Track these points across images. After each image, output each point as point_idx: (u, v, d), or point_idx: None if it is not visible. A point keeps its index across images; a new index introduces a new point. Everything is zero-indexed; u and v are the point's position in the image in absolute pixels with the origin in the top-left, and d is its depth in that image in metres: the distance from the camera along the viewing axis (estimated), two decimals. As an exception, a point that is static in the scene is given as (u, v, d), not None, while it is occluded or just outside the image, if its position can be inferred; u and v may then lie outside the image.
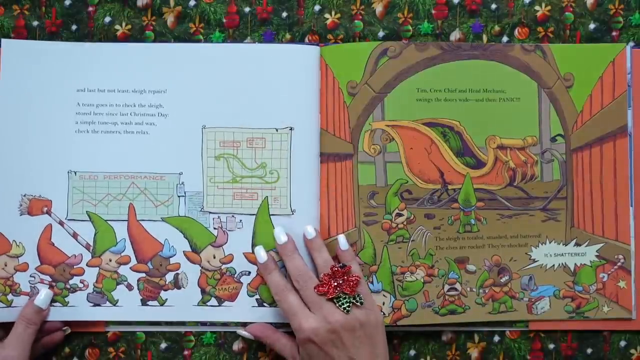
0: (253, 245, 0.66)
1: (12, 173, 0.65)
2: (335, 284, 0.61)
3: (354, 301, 0.61)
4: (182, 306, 0.66)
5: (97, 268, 0.65)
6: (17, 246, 0.64)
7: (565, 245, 0.66)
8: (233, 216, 0.66)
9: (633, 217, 0.66)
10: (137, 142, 0.66)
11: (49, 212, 0.65)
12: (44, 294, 0.63)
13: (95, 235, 0.65)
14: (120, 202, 0.65)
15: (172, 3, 0.68)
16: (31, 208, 0.65)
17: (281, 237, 0.64)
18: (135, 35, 0.67)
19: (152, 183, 0.66)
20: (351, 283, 0.61)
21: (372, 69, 0.66)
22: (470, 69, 0.66)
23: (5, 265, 0.64)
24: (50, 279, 0.65)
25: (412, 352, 0.67)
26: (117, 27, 0.67)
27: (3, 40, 0.66)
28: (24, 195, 0.65)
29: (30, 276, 0.65)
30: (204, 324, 0.66)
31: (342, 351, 0.59)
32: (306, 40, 0.68)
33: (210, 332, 0.67)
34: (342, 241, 0.64)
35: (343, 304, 0.60)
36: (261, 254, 0.64)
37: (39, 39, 0.67)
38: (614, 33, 0.67)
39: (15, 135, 0.65)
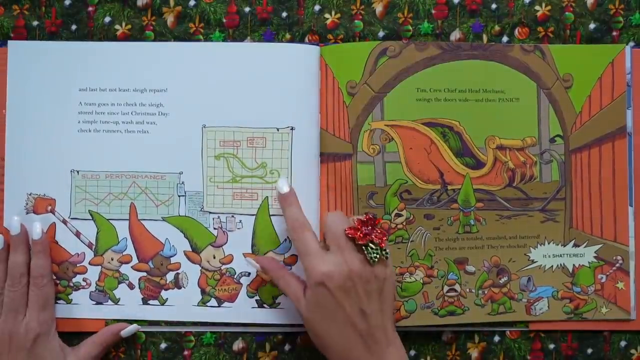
0: (253, 246, 0.72)
1: (18, 172, 0.72)
2: (367, 231, 0.65)
3: (382, 254, 0.65)
4: (182, 306, 0.73)
5: (100, 267, 0.73)
6: None
7: (564, 246, 0.73)
8: (233, 216, 0.73)
9: (632, 218, 0.73)
10: (138, 142, 0.72)
11: (52, 211, 0.72)
12: (131, 328, 0.72)
13: (97, 234, 0.73)
14: (122, 201, 0.73)
15: (172, 3, 0.74)
16: (36, 207, 0.72)
17: (284, 187, 0.69)
18: (135, 35, 0.74)
19: (152, 182, 0.73)
20: (381, 235, 0.65)
21: (372, 69, 0.72)
22: (470, 69, 0.73)
23: None
24: (54, 277, 0.72)
25: (412, 352, 0.74)
26: (117, 27, 0.74)
27: (9, 42, 0.73)
28: (30, 194, 0.72)
29: None
30: (203, 324, 0.73)
31: (353, 300, 0.63)
32: (306, 40, 0.74)
33: (210, 332, 0.73)
34: (282, 183, 0.69)
35: (371, 253, 0.64)
36: (284, 184, 0.69)
37: (39, 39, 0.74)
38: (614, 33, 0.74)
39: (22, 134, 0.72)
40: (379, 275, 0.65)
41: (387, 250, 0.66)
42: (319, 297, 0.64)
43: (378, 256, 0.65)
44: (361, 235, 0.65)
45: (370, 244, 0.65)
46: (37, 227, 0.70)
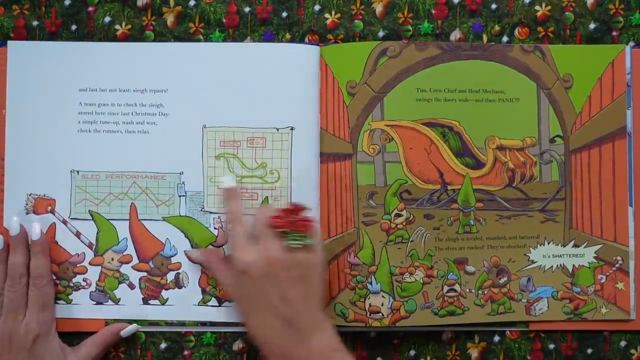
0: (253, 246, 0.75)
1: (18, 172, 0.73)
2: (290, 220, 0.65)
3: (305, 241, 0.65)
4: (182, 306, 0.73)
5: (100, 267, 0.73)
6: None
7: (564, 247, 0.74)
8: (233, 216, 0.75)
9: (632, 219, 0.74)
10: (138, 142, 0.73)
11: (52, 211, 0.73)
12: (131, 328, 0.73)
13: (97, 234, 0.73)
14: (122, 201, 0.73)
15: (172, 3, 0.75)
16: (36, 207, 0.73)
17: (231, 182, 0.71)
18: (135, 35, 0.75)
19: (153, 182, 0.73)
20: (305, 222, 0.66)
21: (372, 69, 0.73)
22: (470, 69, 0.73)
23: None
24: (54, 277, 0.73)
25: (412, 352, 0.75)
26: (117, 27, 0.75)
27: (9, 42, 0.74)
28: (30, 195, 0.73)
29: None
30: (204, 324, 0.74)
31: (275, 287, 0.64)
32: (306, 40, 0.75)
33: (210, 332, 0.74)
34: (229, 179, 0.71)
35: (293, 240, 0.65)
36: (230, 180, 0.71)
37: (39, 39, 0.74)
38: (614, 33, 0.75)
39: (22, 134, 0.73)
40: (301, 261, 0.65)
41: (312, 237, 0.66)
42: (242, 285, 0.65)
43: (299, 242, 0.65)
44: (281, 223, 0.65)
45: (292, 232, 0.65)
46: (36, 228, 0.71)
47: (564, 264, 0.74)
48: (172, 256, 0.74)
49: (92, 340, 0.72)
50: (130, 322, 0.74)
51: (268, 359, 0.65)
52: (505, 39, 0.75)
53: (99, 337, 0.72)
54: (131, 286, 0.74)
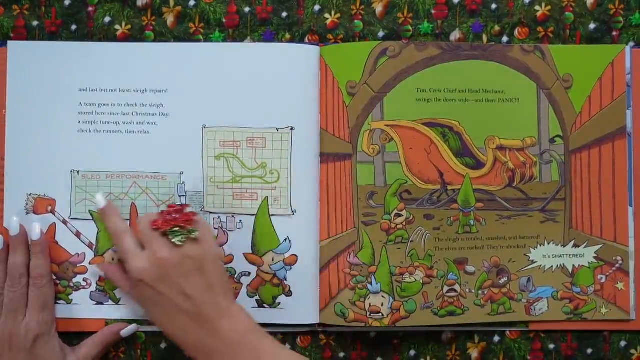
0: (253, 246, 0.73)
1: (18, 172, 0.73)
2: (169, 218, 0.66)
3: (187, 234, 0.65)
4: (182, 305, 0.75)
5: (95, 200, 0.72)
6: None
7: (564, 247, 0.74)
8: (233, 216, 0.74)
9: (632, 219, 0.74)
10: (138, 142, 0.73)
11: (53, 211, 0.73)
12: (131, 327, 0.73)
13: (98, 234, 0.74)
14: (123, 201, 0.73)
15: (172, 3, 0.75)
16: (36, 207, 0.73)
17: (101, 202, 0.69)
18: (135, 35, 0.75)
19: (153, 183, 0.74)
20: (186, 217, 0.66)
21: (372, 69, 0.73)
22: (470, 69, 0.74)
23: None
24: (55, 277, 0.73)
25: (412, 352, 0.75)
26: (117, 27, 0.75)
27: (9, 42, 0.74)
28: (30, 195, 0.73)
29: None
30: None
31: (172, 287, 0.64)
32: (306, 40, 0.75)
33: (210, 332, 0.76)
34: (99, 198, 0.70)
35: (176, 236, 0.65)
36: (100, 199, 0.69)
37: (39, 39, 0.75)
38: (614, 33, 0.75)
39: (22, 134, 0.73)
40: (192, 254, 0.65)
41: (196, 231, 0.66)
42: (142, 293, 0.66)
43: (183, 237, 0.65)
44: (162, 223, 0.66)
45: (176, 229, 0.66)
46: (36, 228, 0.71)
47: (564, 264, 0.75)
48: (172, 256, 0.74)
49: (92, 340, 0.72)
50: (130, 322, 0.74)
51: (191, 356, 0.65)
52: (505, 39, 0.76)
53: (99, 337, 0.73)
54: (131, 286, 0.74)
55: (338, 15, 0.76)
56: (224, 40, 0.76)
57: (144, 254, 0.66)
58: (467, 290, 0.74)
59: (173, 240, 0.65)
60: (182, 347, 0.66)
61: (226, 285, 0.67)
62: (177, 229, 0.66)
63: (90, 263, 0.74)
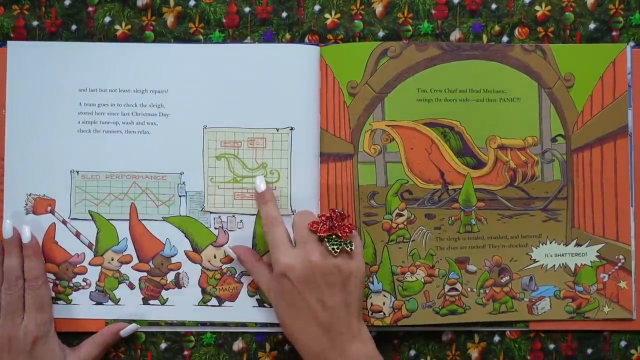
0: (254, 246, 0.74)
1: (18, 172, 0.73)
2: (330, 224, 0.67)
3: (344, 246, 0.66)
4: (182, 306, 0.74)
5: (100, 267, 0.73)
6: None
7: (566, 246, 0.74)
8: (234, 216, 0.74)
9: (633, 218, 0.74)
10: (138, 142, 0.73)
11: (52, 211, 0.73)
12: (130, 327, 0.73)
13: (97, 234, 0.73)
14: (122, 201, 0.73)
15: (172, 3, 0.75)
16: (36, 207, 0.73)
17: (261, 186, 0.71)
18: (135, 35, 0.75)
19: (153, 183, 0.74)
20: (346, 228, 0.67)
21: (373, 69, 0.74)
22: (471, 69, 0.74)
23: None
24: (54, 277, 0.73)
25: (412, 352, 0.75)
26: (117, 27, 0.75)
27: (9, 42, 0.74)
28: (29, 195, 0.73)
29: None
30: (204, 324, 0.74)
31: (314, 291, 0.65)
32: (306, 40, 0.75)
33: (210, 332, 0.74)
34: (260, 181, 0.71)
35: (333, 244, 0.66)
36: (262, 184, 0.71)
37: (39, 39, 0.75)
38: (614, 33, 0.75)
39: (22, 134, 0.73)
40: (342, 267, 0.66)
41: (352, 242, 0.67)
42: (282, 287, 0.66)
43: (339, 247, 0.66)
44: (323, 228, 0.67)
45: (333, 236, 0.66)
46: (26, 231, 0.71)
47: (566, 263, 0.75)
48: (172, 256, 0.74)
49: (92, 341, 0.72)
50: (130, 322, 0.74)
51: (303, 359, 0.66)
52: (505, 39, 0.76)
53: (99, 337, 0.72)
54: (131, 286, 0.74)
55: (338, 15, 0.76)
56: (224, 40, 0.76)
57: (295, 251, 0.67)
58: (469, 289, 0.74)
59: (329, 248, 0.66)
60: (301, 352, 0.66)
61: (360, 307, 0.68)
62: (334, 236, 0.66)
63: (227, 248, 0.74)
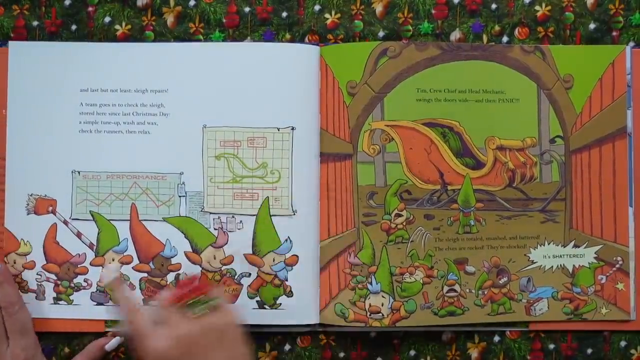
0: (254, 247, 0.74)
1: (19, 173, 0.74)
2: (186, 290, 0.65)
3: (209, 303, 0.64)
4: (182, 306, 0.76)
5: (101, 267, 0.74)
6: (25, 244, 0.74)
7: (564, 247, 0.75)
8: (233, 217, 0.74)
9: (632, 219, 0.74)
10: (139, 142, 0.74)
11: (54, 212, 0.74)
12: (114, 341, 0.72)
13: (98, 234, 0.74)
14: (123, 201, 0.74)
15: (172, 3, 0.75)
16: (37, 207, 0.74)
17: (111, 274, 0.72)
18: (135, 35, 0.75)
19: (153, 183, 0.74)
20: (201, 287, 0.65)
21: (372, 69, 0.74)
22: (470, 70, 0.74)
23: (15, 263, 0.74)
24: (55, 278, 0.74)
25: (412, 352, 0.76)
26: (117, 27, 0.75)
27: (10, 42, 0.74)
28: (31, 195, 0.74)
29: (37, 274, 0.74)
30: (204, 324, 0.76)
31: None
32: (306, 40, 0.76)
33: (210, 332, 0.77)
34: (107, 271, 0.72)
35: (195, 308, 0.63)
36: (110, 271, 0.72)
37: (39, 39, 0.75)
38: (614, 33, 0.75)
39: (23, 135, 0.74)
40: (213, 324, 0.63)
41: (214, 298, 0.65)
42: None
43: (203, 307, 0.64)
44: (179, 295, 0.65)
45: (190, 301, 0.64)
46: None
47: (564, 265, 0.75)
48: (172, 257, 0.75)
49: (80, 357, 0.72)
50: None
51: None
52: (505, 39, 0.76)
53: (86, 353, 0.73)
54: (132, 287, 0.75)
55: (338, 15, 0.76)
56: (224, 40, 0.76)
57: (162, 332, 0.63)
58: (467, 290, 0.75)
59: (195, 312, 0.64)
60: None
61: (245, 355, 0.64)
62: (196, 299, 0.65)
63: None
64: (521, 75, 0.75)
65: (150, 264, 0.75)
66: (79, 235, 0.75)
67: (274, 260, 0.74)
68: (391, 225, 0.74)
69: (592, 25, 0.76)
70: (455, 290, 0.75)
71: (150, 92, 0.75)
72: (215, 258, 0.75)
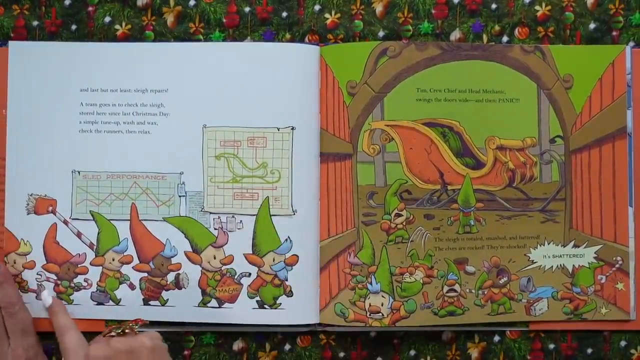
0: (254, 246, 0.74)
1: (19, 172, 0.74)
2: (108, 330, 0.67)
3: (127, 328, 0.66)
4: (182, 307, 0.74)
5: (101, 267, 0.74)
6: (25, 244, 0.74)
7: (564, 247, 0.75)
8: (233, 216, 0.74)
9: (632, 219, 0.75)
10: (139, 142, 0.74)
11: (54, 212, 0.74)
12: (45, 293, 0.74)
13: (98, 234, 0.74)
14: (123, 201, 0.74)
15: (172, 3, 0.76)
16: (37, 207, 0.74)
17: (48, 300, 0.73)
18: (135, 35, 0.76)
19: (153, 183, 0.75)
20: (125, 325, 0.67)
21: (372, 69, 0.74)
22: (470, 69, 0.74)
23: (15, 263, 0.74)
24: (55, 277, 0.74)
25: (412, 352, 0.76)
26: (117, 27, 0.76)
27: (10, 42, 0.75)
28: (31, 195, 0.74)
29: (37, 274, 0.74)
30: (204, 325, 0.75)
31: None
32: (306, 40, 0.76)
33: (210, 332, 0.75)
34: (45, 296, 0.74)
35: (117, 331, 0.66)
36: (48, 298, 0.73)
37: (39, 39, 0.75)
38: (614, 33, 0.76)
39: (23, 135, 0.74)
40: (133, 345, 0.65)
41: (134, 325, 0.67)
42: None
43: (119, 331, 0.66)
44: (105, 332, 0.67)
45: (110, 334, 0.66)
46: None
47: (564, 264, 0.75)
48: (172, 257, 0.75)
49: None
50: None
51: None
52: (505, 39, 0.76)
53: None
54: (132, 287, 0.75)
55: (338, 15, 0.77)
56: (224, 40, 0.76)
57: (80, 353, 0.67)
58: (467, 290, 0.75)
59: (114, 333, 0.66)
60: None
61: None
62: (112, 333, 0.66)
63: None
64: (521, 75, 0.75)
65: (150, 264, 0.75)
66: (79, 235, 0.75)
67: (274, 260, 0.75)
68: (391, 225, 0.75)
69: (592, 25, 0.76)
70: (455, 290, 0.75)
71: (150, 92, 0.75)
72: (215, 258, 0.75)
